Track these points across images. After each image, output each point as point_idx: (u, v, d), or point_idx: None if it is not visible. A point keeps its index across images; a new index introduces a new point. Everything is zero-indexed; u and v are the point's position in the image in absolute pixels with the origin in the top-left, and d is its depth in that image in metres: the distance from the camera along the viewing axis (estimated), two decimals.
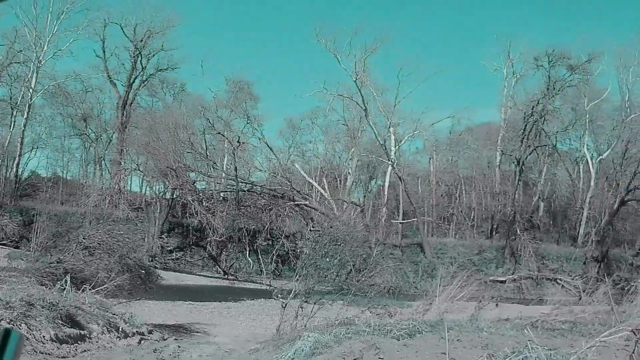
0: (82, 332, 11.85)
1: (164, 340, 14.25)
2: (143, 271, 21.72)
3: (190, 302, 25.25)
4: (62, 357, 10.26)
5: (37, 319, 10.93)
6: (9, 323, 9.95)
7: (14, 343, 1.17)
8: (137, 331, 14.02)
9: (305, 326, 14.06)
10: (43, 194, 42.30)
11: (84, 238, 21.27)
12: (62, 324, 11.80)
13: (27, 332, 10.07)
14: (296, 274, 24.93)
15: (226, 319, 22.37)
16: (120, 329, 13.27)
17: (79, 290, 14.51)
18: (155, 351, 10.99)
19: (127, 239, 21.57)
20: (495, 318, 12.36)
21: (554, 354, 5.98)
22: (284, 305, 18.07)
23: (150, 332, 14.85)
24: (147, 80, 43.86)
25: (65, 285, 14.61)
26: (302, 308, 17.45)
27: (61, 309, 12.09)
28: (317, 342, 11.67)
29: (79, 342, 11.22)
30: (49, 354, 10.18)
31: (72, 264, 19.91)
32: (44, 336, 10.54)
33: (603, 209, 39.56)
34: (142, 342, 13.22)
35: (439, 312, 13.92)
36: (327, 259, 25.10)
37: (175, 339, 14.62)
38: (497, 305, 16.15)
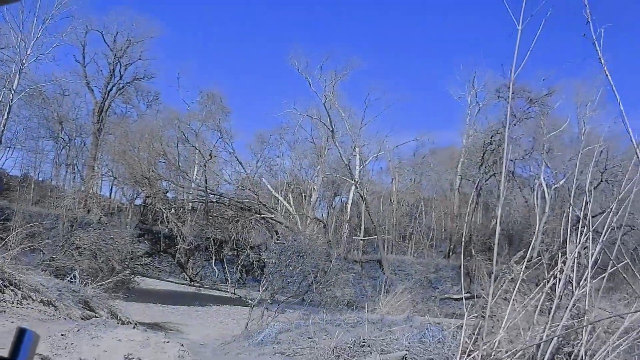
0: (96, 315, 15.93)
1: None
2: (127, 272, 25.51)
3: (161, 304, 27.95)
4: None
5: (66, 302, 14.95)
6: (47, 304, 13.79)
7: (29, 342, 1.21)
8: (129, 321, 18.04)
9: (269, 324, 18.16)
10: (14, 194, 43.80)
11: (76, 239, 25.01)
12: (82, 307, 15.87)
13: (63, 309, 13.97)
14: (263, 280, 29.04)
15: (195, 321, 25.11)
16: (119, 317, 17.32)
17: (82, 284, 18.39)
18: None
19: (116, 242, 25.30)
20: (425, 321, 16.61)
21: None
22: (252, 307, 22.25)
23: (135, 325, 18.79)
24: (123, 88, 46.40)
25: (74, 280, 18.59)
26: (267, 309, 21.71)
27: (81, 296, 16.18)
28: (281, 329, 16.05)
29: None
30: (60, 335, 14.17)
31: (64, 262, 23.60)
32: (74, 314, 14.55)
33: (556, 234, 44.01)
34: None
35: (382, 314, 18.23)
36: (291, 268, 29.23)
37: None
38: (427, 315, 20.12)
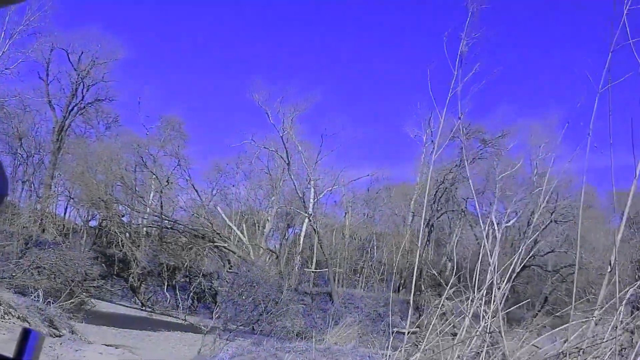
0: (60, 334, 17.51)
1: None
2: (84, 294, 26.91)
3: (114, 327, 29.52)
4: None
5: (34, 319, 16.51)
6: (23, 320, 15.39)
7: (33, 343, 1.21)
8: (88, 341, 19.58)
9: (222, 350, 19.89)
10: None
11: (36, 258, 26.35)
12: (48, 325, 17.42)
13: (34, 326, 15.53)
14: (216, 307, 30.44)
15: (148, 344, 25.66)
16: (79, 336, 18.89)
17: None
18: None
19: (75, 264, 26.70)
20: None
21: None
22: (205, 332, 23.86)
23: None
24: (84, 108, 46.89)
25: (38, 299, 20.08)
26: (219, 336, 23.37)
27: (47, 315, 17.73)
28: (233, 353, 17.80)
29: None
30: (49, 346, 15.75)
31: (23, 281, 24.95)
32: (42, 331, 16.09)
33: (506, 272, 46.23)
34: None
35: (329, 344, 20.09)
36: (243, 297, 30.78)
37: None
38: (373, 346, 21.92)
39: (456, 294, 12.54)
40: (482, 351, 9.44)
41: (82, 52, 45.23)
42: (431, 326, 13.94)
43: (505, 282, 11.19)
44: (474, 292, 12.12)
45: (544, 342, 10.76)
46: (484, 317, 11.89)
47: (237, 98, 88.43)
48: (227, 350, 18.65)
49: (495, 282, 10.99)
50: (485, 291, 12.88)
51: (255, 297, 32.12)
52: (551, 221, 41.29)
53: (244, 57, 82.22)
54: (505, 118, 58.15)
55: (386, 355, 12.82)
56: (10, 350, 1.31)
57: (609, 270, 8.76)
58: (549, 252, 44.33)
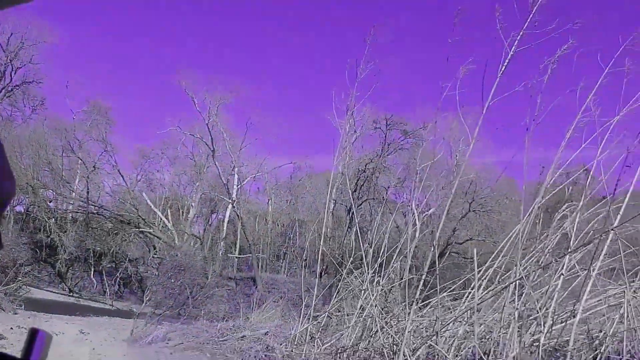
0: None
1: None
2: (20, 279, 29.30)
3: (44, 313, 31.85)
4: None
5: None
6: None
7: (41, 342, 1.22)
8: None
9: (154, 330, 23.27)
10: None
11: None
12: None
13: None
14: (147, 291, 33.28)
15: (77, 329, 29.70)
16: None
17: None
18: None
19: (12, 250, 29.07)
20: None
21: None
22: (136, 315, 27.05)
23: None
24: (12, 91, 47.29)
25: None
26: (150, 318, 26.59)
27: None
28: (167, 331, 21.29)
29: None
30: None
31: None
32: None
33: (425, 259, 50.19)
34: None
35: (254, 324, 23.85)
36: (172, 281, 33.50)
37: None
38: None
39: (371, 277, 16.15)
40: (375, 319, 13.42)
41: (11, 34, 45.71)
42: (343, 302, 18.00)
43: (407, 263, 15.13)
44: (379, 274, 15.93)
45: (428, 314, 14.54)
46: (385, 293, 15.93)
47: (162, 85, 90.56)
48: (161, 329, 22.10)
49: (401, 264, 15.03)
50: (392, 272, 16.65)
51: (182, 282, 33.22)
52: (470, 210, 43.50)
53: (172, 45, 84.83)
54: (427, 112, 62.37)
55: (300, 323, 16.74)
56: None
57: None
58: (467, 240, 47.95)
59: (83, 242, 42.76)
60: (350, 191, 43.80)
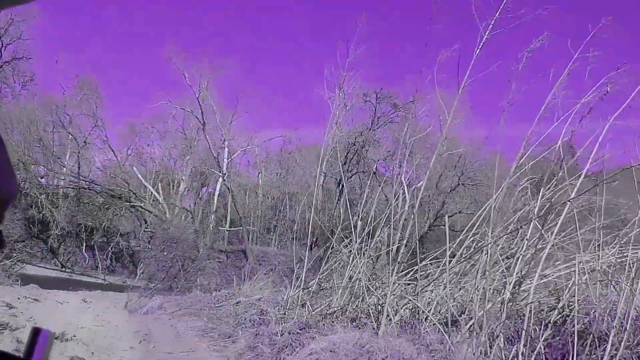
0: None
1: None
2: (15, 255, 30.30)
3: (38, 287, 33.05)
4: None
5: None
6: None
7: (43, 341, 1.23)
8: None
9: (149, 302, 24.43)
10: None
11: None
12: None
13: None
14: (140, 264, 34.31)
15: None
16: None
17: None
18: None
19: (8, 226, 30.15)
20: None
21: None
22: (130, 287, 28.17)
23: None
24: (1, 67, 47.30)
25: None
26: (143, 291, 27.74)
27: None
28: (162, 302, 22.43)
29: None
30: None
31: None
32: None
33: (414, 231, 51.29)
34: None
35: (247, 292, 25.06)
36: (165, 253, 34.40)
37: None
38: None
39: (359, 246, 17.27)
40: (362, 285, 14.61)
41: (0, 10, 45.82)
42: (332, 272, 19.16)
43: (397, 234, 16.27)
44: (367, 243, 17.07)
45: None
46: (373, 261, 17.09)
47: (152, 59, 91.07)
48: (155, 300, 23.25)
49: (389, 233, 16.14)
50: (379, 241, 17.77)
51: (174, 255, 33.83)
52: (459, 184, 44.42)
53: (162, 20, 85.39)
54: (418, 86, 62.93)
55: (291, 290, 17.92)
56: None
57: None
58: (456, 212, 48.96)
59: (75, 218, 43.30)
60: (340, 164, 44.72)
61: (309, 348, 10.13)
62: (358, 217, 20.92)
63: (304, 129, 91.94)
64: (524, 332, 8.98)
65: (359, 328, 11.56)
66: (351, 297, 14.46)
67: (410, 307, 12.67)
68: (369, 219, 17.34)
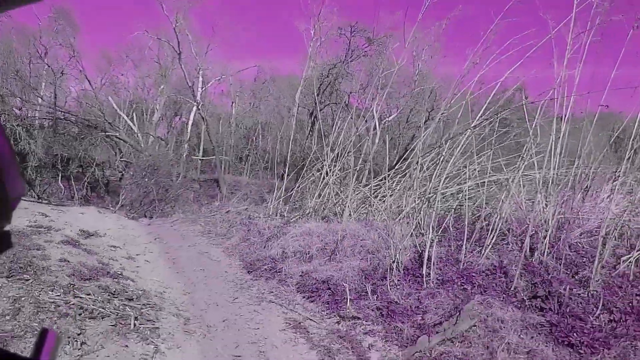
0: None
1: None
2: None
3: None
4: None
5: None
6: None
7: (51, 342, 1.28)
8: None
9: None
10: None
11: None
12: None
13: None
14: (123, 190, 37.81)
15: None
16: None
17: None
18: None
19: None
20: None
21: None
22: (114, 211, 32.41)
23: None
24: None
25: None
26: (129, 212, 32.01)
27: None
28: (152, 222, 26.99)
29: None
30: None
31: None
32: None
33: (384, 163, 54.14)
34: None
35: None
36: (146, 180, 37.85)
37: None
38: None
39: (329, 169, 21.92)
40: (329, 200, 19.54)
41: None
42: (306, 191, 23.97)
43: (368, 164, 21.13)
44: (334, 164, 21.87)
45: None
46: (340, 180, 21.92)
47: None
48: (143, 220, 27.48)
49: (355, 157, 20.98)
50: (346, 163, 22.46)
51: (154, 182, 36.60)
52: (428, 118, 49.27)
53: None
54: (392, 21, 65.97)
55: (271, 203, 22.71)
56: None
57: None
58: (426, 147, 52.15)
59: (51, 149, 45.75)
60: (314, 95, 47.21)
61: (291, 233, 15.17)
62: (329, 147, 23.52)
63: (278, 60, 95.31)
64: (439, 218, 13.95)
65: (328, 222, 16.65)
66: (322, 203, 19.43)
67: (366, 211, 17.74)
68: (340, 149, 21.50)
